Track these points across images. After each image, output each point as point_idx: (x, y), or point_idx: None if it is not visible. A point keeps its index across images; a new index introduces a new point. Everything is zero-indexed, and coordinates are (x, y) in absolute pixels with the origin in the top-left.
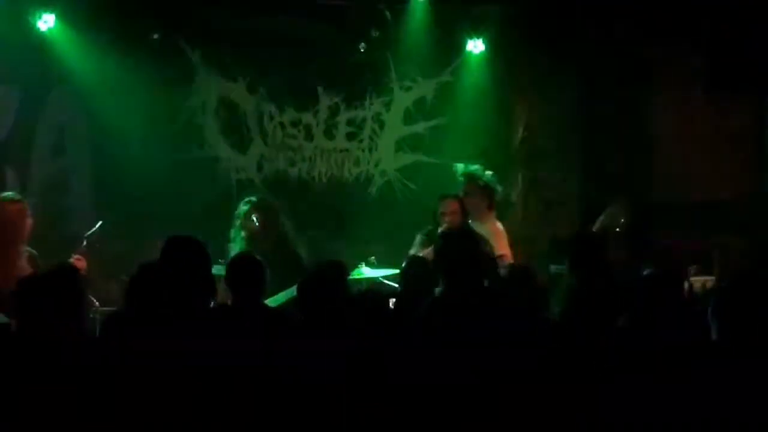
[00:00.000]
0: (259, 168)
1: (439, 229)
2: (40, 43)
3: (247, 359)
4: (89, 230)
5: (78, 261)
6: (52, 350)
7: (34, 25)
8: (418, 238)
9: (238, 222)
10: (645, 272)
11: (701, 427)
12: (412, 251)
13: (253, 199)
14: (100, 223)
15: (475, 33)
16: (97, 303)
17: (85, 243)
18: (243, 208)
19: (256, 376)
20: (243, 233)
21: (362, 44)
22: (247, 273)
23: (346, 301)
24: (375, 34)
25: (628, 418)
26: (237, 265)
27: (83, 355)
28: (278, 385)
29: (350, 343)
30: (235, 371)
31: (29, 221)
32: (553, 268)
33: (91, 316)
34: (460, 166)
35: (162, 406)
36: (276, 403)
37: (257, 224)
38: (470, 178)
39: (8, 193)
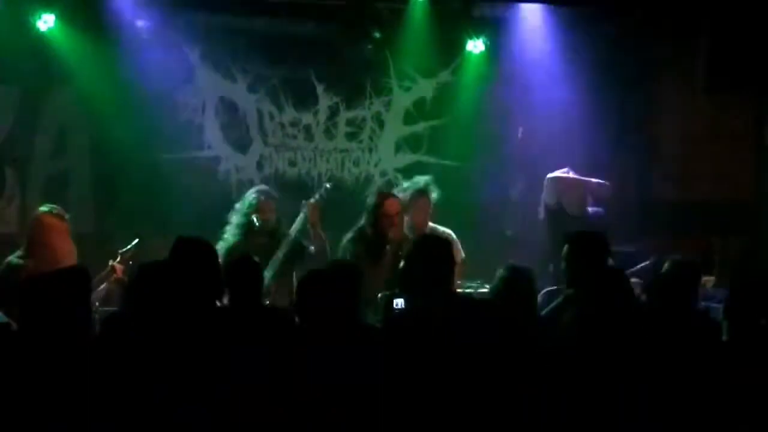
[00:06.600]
0: (259, 168)
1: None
2: (40, 43)
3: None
4: (124, 247)
5: (117, 267)
6: (53, 349)
7: (34, 25)
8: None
9: (247, 211)
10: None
11: None
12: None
13: (267, 189)
14: (136, 240)
15: (475, 33)
16: (97, 303)
17: (119, 259)
18: (256, 198)
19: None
20: (254, 223)
21: (368, 44)
22: (246, 274)
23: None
24: (375, 34)
25: None
26: (235, 266)
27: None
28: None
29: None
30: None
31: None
32: (552, 267)
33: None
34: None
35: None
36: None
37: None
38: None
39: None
